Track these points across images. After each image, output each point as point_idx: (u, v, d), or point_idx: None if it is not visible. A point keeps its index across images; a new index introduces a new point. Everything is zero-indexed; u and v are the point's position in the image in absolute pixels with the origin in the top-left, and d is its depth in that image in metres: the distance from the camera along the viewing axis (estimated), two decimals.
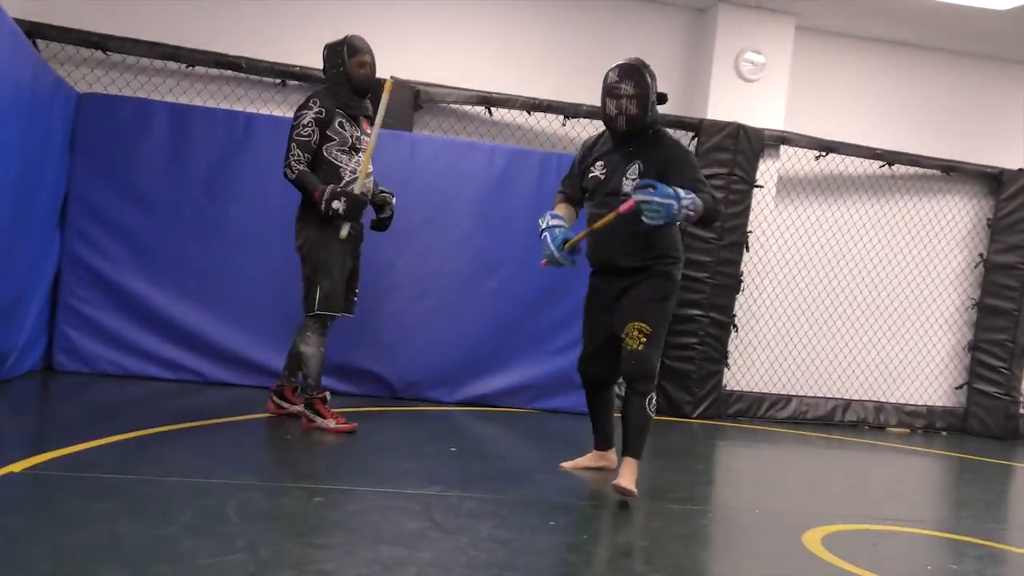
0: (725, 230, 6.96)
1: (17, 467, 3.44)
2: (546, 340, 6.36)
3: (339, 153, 4.72)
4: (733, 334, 7.20)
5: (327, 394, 4.82)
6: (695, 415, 6.97)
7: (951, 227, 8.07)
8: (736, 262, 7.07)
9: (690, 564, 3.22)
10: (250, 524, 3.06)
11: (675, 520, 3.78)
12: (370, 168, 4.77)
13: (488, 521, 3.39)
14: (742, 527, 3.92)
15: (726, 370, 7.21)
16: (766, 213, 7.36)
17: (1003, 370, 7.84)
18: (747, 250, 7.16)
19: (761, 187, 7.21)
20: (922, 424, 7.89)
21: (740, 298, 7.21)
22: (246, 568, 2.60)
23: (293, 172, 4.61)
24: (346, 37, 4.83)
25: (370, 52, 4.84)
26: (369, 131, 4.81)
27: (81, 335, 5.79)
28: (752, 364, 7.48)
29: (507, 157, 6.36)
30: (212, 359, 5.93)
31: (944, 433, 7.86)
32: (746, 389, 7.44)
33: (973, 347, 8.00)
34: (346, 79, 4.76)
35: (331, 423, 4.71)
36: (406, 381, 6.19)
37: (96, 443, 3.98)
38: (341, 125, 4.72)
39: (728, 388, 7.31)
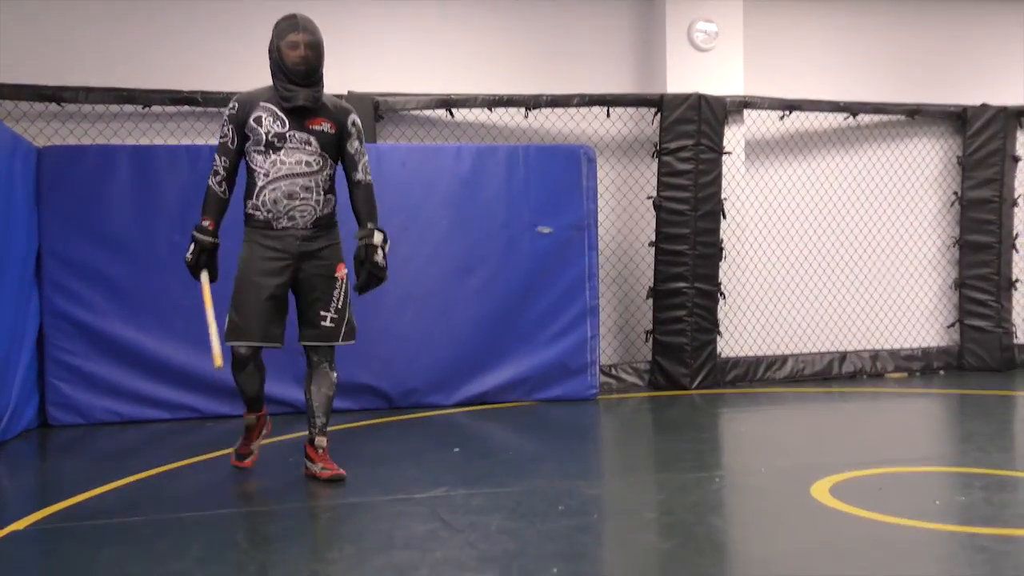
0: (699, 200, 6.97)
1: (21, 524, 3.44)
2: (535, 332, 6.37)
3: (255, 154, 4.04)
4: (721, 302, 7.22)
5: (247, 418, 4.27)
6: (694, 386, 6.98)
7: (923, 169, 8.11)
8: (715, 230, 7.08)
9: (702, 531, 3.23)
10: (260, 548, 3.06)
11: (684, 490, 3.79)
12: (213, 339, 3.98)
13: (497, 514, 3.40)
14: (751, 488, 3.94)
15: (719, 338, 7.23)
16: (738, 179, 7.38)
17: (992, 303, 7.88)
18: (724, 217, 7.17)
19: (729, 153, 7.22)
20: (919, 366, 7.92)
21: (723, 265, 7.23)
22: None
23: (208, 183, 4.09)
24: (283, 16, 4.12)
25: (308, 31, 4.02)
26: (319, 126, 4.09)
27: (72, 387, 5.77)
28: (744, 329, 7.50)
29: (473, 155, 6.37)
30: (207, 394, 5.91)
31: (942, 372, 7.90)
32: (741, 354, 7.46)
33: (960, 284, 8.03)
34: (279, 68, 4.03)
35: (232, 456, 4.35)
36: (403, 390, 6.19)
37: (99, 490, 3.97)
38: (258, 120, 4.02)
39: (723, 356, 7.33)
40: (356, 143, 4.21)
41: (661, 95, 7.07)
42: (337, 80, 6.68)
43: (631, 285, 7.42)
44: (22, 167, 5.47)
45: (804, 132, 7.83)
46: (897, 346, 8.01)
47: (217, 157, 4.07)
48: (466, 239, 6.32)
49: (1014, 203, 7.93)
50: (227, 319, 4.03)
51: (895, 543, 3.02)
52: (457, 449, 4.79)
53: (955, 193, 8.05)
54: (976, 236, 7.93)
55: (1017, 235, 7.99)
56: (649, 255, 7.17)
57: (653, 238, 7.08)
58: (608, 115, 7.26)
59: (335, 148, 4.15)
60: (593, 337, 6.48)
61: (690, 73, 7.25)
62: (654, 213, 7.06)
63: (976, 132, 7.89)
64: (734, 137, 7.34)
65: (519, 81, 7.15)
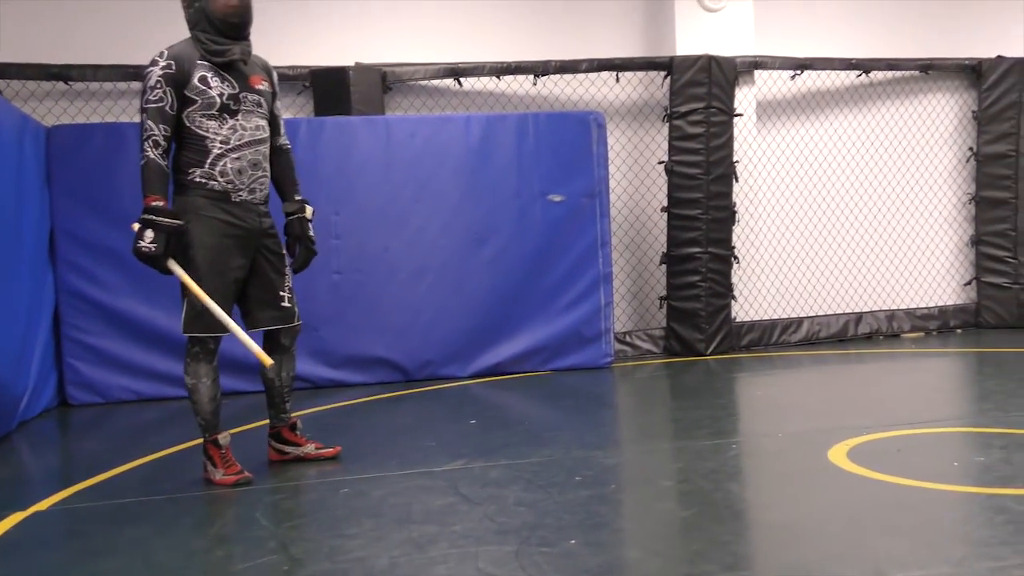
0: (711, 163, 6.91)
1: (43, 505, 3.47)
2: (549, 301, 6.36)
3: (204, 120, 3.57)
4: (735, 266, 7.18)
5: (221, 436, 3.73)
6: (709, 352, 6.97)
7: (937, 125, 8.01)
8: (727, 194, 7.02)
9: (720, 497, 3.23)
10: (279, 525, 3.08)
11: (701, 456, 3.79)
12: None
13: (514, 487, 3.41)
14: (768, 453, 3.93)
15: (733, 303, 7.19)
16: (750, 140, 7.30)
17: (1009, 260, 7.81)
18: (736, 180, 7.11)
19: (741, 115, 7.15)
20: (936, 325, 7.87)
21: (737, 229, 7.18)
22: (279, 568, 2.63)
23: (142, 158, 3.53)
24: None
25: None
26: (261, 85, 3.74)
27: (90, 367, 5.81)
28: (759, 293, 7.46)
29: (483, 125, 6.32)
30: (223, 370, 5.92)
31: (959, 331, 7.85)
32: (756, 318, 7.43)
33: (976, 241, 7.96)
34: (207, 20, 3.59)
35: (218, 474, 3.66)
36: (419, 362, 6.20)
37: (120, 470, 4.01)
38: (204, 81, 3.56)
39: (738, 320, 7.30)
40: (279, 103, 3.94)
41: (671, 58, 6.99)
42: (343, 52, 6.66)
43: (644, 251, 7.39)
44: (32, 147, 5.47)
45: (816, 91, 7.73)
46: (913, 305, 7.97)
47: (152, 125, 3.50)
48: (478, 209, 6.29)
49: None
50: (186, 305, 3.65)
51: (914, 505, 3.01)
52: (474, 421, 4.80)
53: (970, 148, 7.96)
54: (992, 192, 7.84)
55: None
56: (662, 220, 7.13)
57: (665, 203, 7.03)
58: (617, 80, 7.18)
59: (271, 109, 3.85)
60: (607, 305, 6.46)
61: (699, 34, 7.16)
62: (666, 178, 7.01)
63: (992, 85, 7.78)
64: (745, 99, 7.26)
65: (527, 48, 7.08)
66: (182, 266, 3.57)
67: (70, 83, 6.21)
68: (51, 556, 2.90)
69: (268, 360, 3.63)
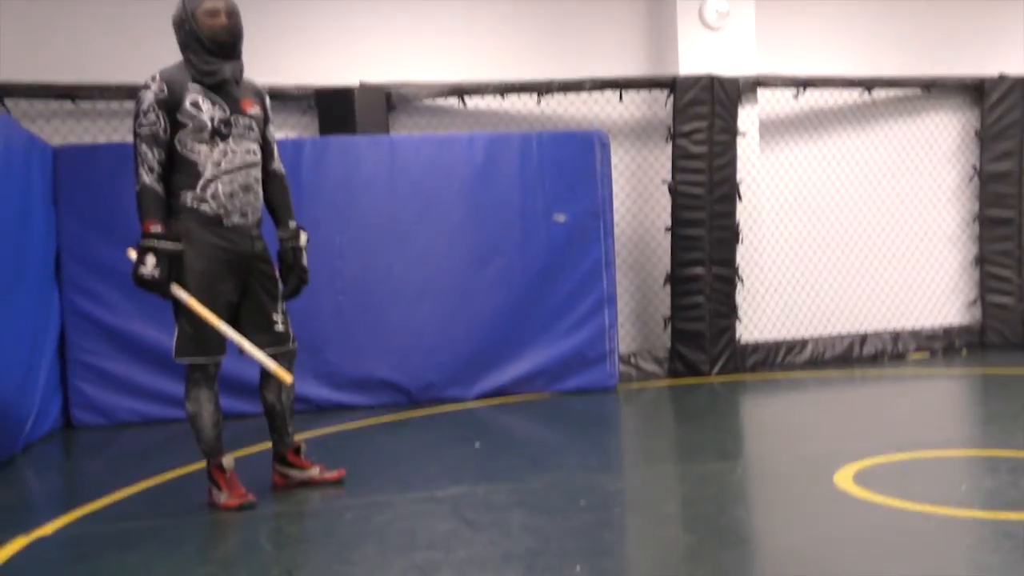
0: (715, 183, 6.92)
1: (48, 529, 3.47)
2: (552, 323, 6.35)
3: (195, 143, 3.58)
4: (739, 286, 7.17)
5: (225, 459, 3.72)
6: (713, 373, 6.95)
7: (940, 144, 8.02)
8: (731, 213, 7.03)
9: (726, 522, 3.22)
10: (284, 550, 3.08)
11: (706, 480, 3.78)
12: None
13: (518, 511, 3.40)
14: (773, 477, 3.92)
15: (738, 323, 7.18)
16: (753, 159, 7.31)
17: (1013, 279, 7.80)
18: (740, 199, 7.12)
19: (744, 134, 7.16)
20: (941, 345, 7.85)
21: (740, 249, 7.18)
22: None
23: (137, 183, 3.53)
24: None
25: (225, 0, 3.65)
26: (252, 109, 3.75)
27: (95, 388, 5.81)
28: (763, 313, 7.45)
29: (487, 144, 6.34)
30: (229, 392, 5.86)
31: (964, 351, 7.83)
32: (760, 339, 7.41)
33: (981, 260, 7.95)
34: (196, 40, 3.61)
35: (223, 497, 3.65)
36: (422, 384, 6.19)
37: (124, 493, 4.01)
38: (195, 104, 3.58)
39: (742, 341, 7.29)
40: (271, 127, 3.95)
41: (674, 77, 7.01)
42: (348, 72, 6.69)
43: (648, 271, 7.38)
44: (39, 167, 5.49)
45: (819, 110, 7.75)
46: (918, 326, 7.95)
47: (147, 150, 3.52)
48: (481, 230, 6.30)
49: None
50: (178, 331, 3.61)
51: (921, 531, 3.00)
52: (478, 444, 4.79)
53: (973, 167, 7.96)
54: (996, 210, 7.84)
55: None
56: (665, 240, 7.13)
57: (669, 223, 7.04)
58: (620, 99, 7.20)
59: (263, 134, 3.88)
60: (611, 326, 6.45)
61: (702, 53, 7.18)
62: (669, 197, 7.02)
63: (994, 104, 7.79)
64: (748, 117, 7.28)
65: (530, 66, 7.09)
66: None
67: (77, 102, 6.24)
68: None
69: (287, 377, 3.63)
